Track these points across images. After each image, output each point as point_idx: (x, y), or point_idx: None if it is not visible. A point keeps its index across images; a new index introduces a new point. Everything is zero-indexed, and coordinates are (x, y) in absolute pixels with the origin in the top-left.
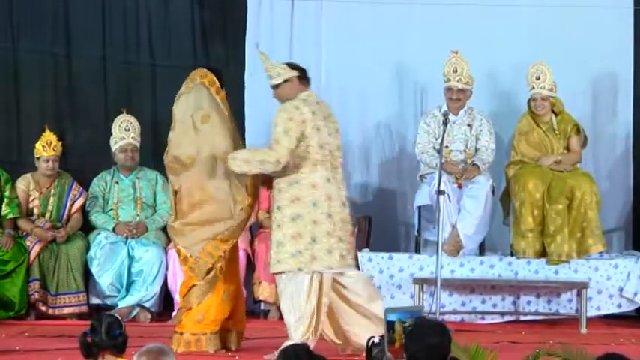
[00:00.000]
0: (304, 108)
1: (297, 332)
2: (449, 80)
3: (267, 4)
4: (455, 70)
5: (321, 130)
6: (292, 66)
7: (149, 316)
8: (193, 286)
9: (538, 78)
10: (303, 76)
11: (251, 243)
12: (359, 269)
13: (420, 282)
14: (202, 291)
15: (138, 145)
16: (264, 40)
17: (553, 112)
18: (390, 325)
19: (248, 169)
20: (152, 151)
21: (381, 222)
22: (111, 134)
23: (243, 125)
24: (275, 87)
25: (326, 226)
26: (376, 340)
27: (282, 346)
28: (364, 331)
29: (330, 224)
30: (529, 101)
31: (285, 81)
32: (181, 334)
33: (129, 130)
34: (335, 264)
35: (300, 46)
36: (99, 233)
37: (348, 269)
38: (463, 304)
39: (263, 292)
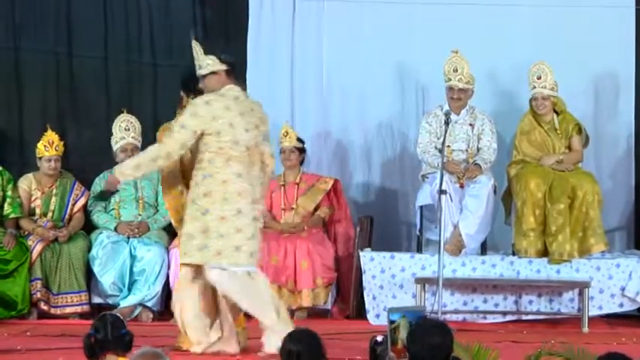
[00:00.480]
0: (216, 104)
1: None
2: (449, 80)
3: (269, 3)
4: (455, 70)
5: (235, 125)
6: (223, 60)
7: (151, 315)
8: None
9: (539, 78)
10: (231, 71)
11: None
12: None
13: (422, 282)
14: None
15: (139, 144)
16: (265, 39)
17: (555, 111)
18: (392, 325)
19: (141, 173)
20: None
21: (382, 222)
22: (112, 134)
23: None
24: (202, 77)
25: (235, 222)
26: (379, 339)
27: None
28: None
29: (239, 221)
30: (530, 101)
31: (212, 73)
32: None
33: (129, 129)
34: (243, 261)
35: (302, 46)
36: (101, 233)
37: (253, 268)
38: (465, 303)
39: None
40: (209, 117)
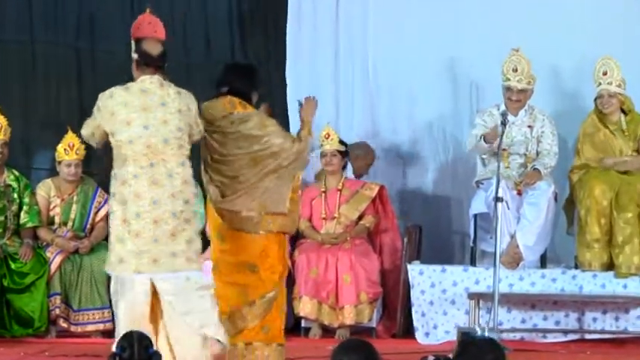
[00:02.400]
0: (117, 99)
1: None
2: (508, 80)
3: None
4: (515, 70)
5: (132, 123)
6: (138, 49)
7: None
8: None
9: (605, 73)
10: (141, 62)
11: (291, 254)
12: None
13: (476, 297)
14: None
15: None
16: (306, 35)
17: (622, 110)
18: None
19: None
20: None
21: (433, 231)
22: None
23: (287, 121)
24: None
25: (134, 226)
26: (430, 359)
27: None
28: None
29: (138, 224)
30: (595, 99)
31: (133, 61)
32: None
33: None
34: (144, 268)
35: (346, 41)
36: None
37: (164, 274)
38: (523, 321)
39: (304, 307)
40: (108, 113)
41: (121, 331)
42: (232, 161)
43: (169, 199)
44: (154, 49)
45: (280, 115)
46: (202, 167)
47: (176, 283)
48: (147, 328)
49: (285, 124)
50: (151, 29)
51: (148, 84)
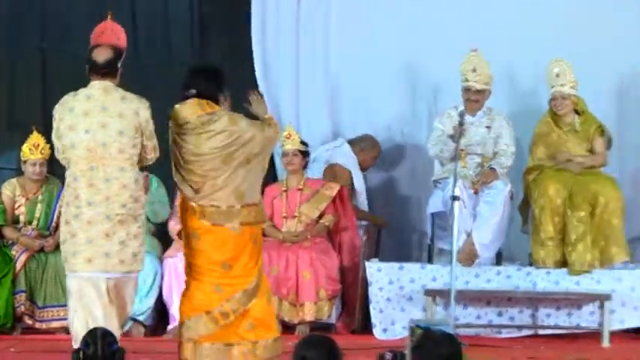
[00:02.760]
0: (66, 104)
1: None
2: (467, 80)
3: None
4: (474, 70)
5: (75, 128)
6: (88, 56)
7: (142, 330)
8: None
9: (558, 75)
10: (90, 68)
11: None
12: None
13: (433, 294)
14: None
15: None
16: (270, 37)
17: (576, 111)
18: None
19: None
20: None
21: (391, 230)
22: None
23: None
24: None
25: (72, 226)
26: (388, 356)
27: None
28: None
29: (76, 225)
30: (550, 101)
31: None
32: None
33: None
34: (79, 268)
35: (307, 44)
36: None
37: (97, 274)
38: (478, 317)
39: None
40: (58, 119)
41: (71, 321)
42: (207, 160)
43: (104, 202)
44: (100, 56)
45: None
46: (174, 169)
47: (108, 281)
48: (101, 318)
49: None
50: (104, 37)
51: (94, 90)
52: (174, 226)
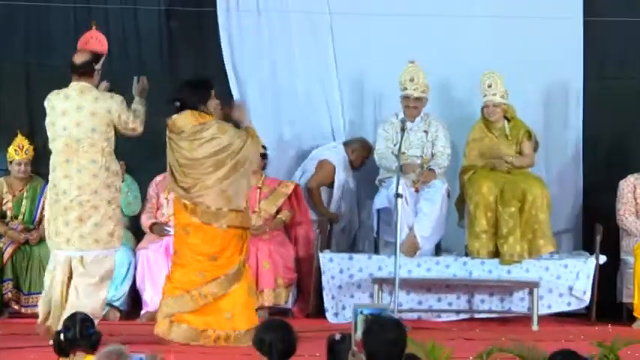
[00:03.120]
0: (48, 102)
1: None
2: (405, 89)
3: (235, 16)
4: (412, 80)
5: (55, 124)
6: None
7: (118, 314)
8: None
9: (490, 86)
10: (71, 69)
11: None
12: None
13: (379, 282)
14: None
15: None
16: (237, 48)
17: (506, 118)
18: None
19: None
20: None
21: (341, 224)
22: None
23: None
24: None
25: (54, 209)
26: (337, 337)
27: None
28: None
29: (56, 209)
30: (482, 109)
31: None
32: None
33: None
34: (61, 246)
35: (263, 54)
36: None
37: (75, 252)
38: (420, 302)
39: None
40: (47, 113)
41: (45, 289)
42: (199, 164)
43: (76, 190)
44: (78, 58)
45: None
46: (169, 170)
47: (85, 258)
48: (59, 290)
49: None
50: (89, 45)
51: (71, 90)
52: (146, 221)
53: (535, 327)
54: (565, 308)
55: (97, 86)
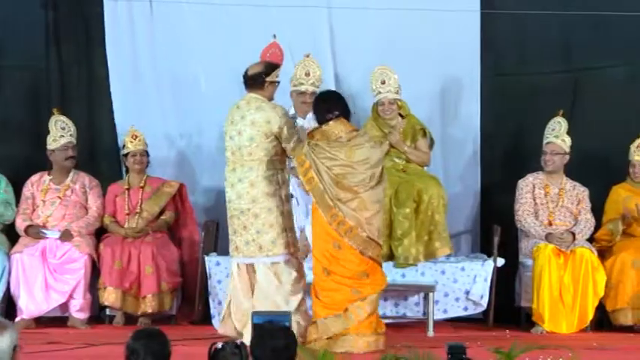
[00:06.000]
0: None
1: None
2: (301, 84)
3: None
4: (307, 74)
5: (227, 133)
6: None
7: None
8: None
9: (383, 82)
10: (245, 82)
11: (96, 247)
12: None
13: None
14: None
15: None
16: (124, 44)
17: (400, 115)
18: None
19: None
20: None
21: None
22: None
23: (113, 118)
24: None
25: (236, 219)
26: (219, 346)
27: None
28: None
29: (237, 218)
30: (376, 106)
31: None
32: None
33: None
34: (245, 253)
35: (151, 49)
36: None
37: (247, 260)
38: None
39: (109, 297)
40: None
41: None
42: (357, 172)
43: (246, 196)
44: (250, 69)
45: (106, 111)
46: (321, 188)
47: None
48: None
49: (110, 121)
50: (264, 53)
51: (244, 101)
52: (21, 223)
53: (430, 333)
54: (462, 313)
55: (270, 98)
